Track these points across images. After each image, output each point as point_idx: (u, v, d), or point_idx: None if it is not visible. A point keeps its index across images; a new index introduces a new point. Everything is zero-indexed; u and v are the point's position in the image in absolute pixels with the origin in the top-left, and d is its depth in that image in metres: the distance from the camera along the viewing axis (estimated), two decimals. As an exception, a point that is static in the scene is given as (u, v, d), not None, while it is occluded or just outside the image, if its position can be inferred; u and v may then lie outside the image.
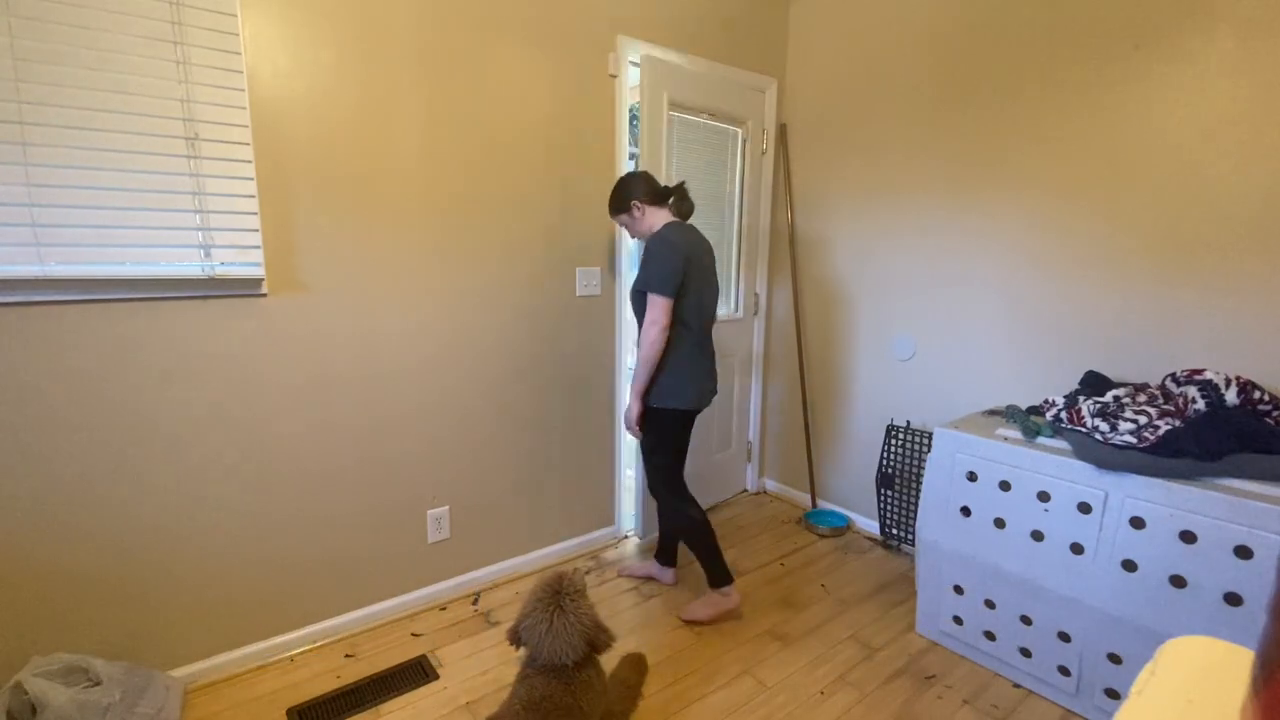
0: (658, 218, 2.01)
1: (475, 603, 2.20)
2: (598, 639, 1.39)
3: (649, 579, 2.38)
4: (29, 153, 1.38)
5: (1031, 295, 2.16)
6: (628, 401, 2.09)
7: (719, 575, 2.08)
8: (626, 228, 2.08)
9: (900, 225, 2.53)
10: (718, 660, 1.92)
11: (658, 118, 2.41)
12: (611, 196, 2.05)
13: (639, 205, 2.00)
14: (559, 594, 1.39)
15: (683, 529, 2.07)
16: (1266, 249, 1.67)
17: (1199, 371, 1.67)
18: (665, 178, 2.50)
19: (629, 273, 2.51)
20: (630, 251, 2.50)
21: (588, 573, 2.42)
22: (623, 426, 2.61)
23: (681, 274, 1.89)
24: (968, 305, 2.35)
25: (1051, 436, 1.78)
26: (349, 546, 1.98)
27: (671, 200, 2.04)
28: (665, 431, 2.03)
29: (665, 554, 2.32)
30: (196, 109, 1.54)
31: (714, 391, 2.07)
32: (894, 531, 2.61)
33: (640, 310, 1.99)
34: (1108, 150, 1.94)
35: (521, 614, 1.40)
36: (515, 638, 1.39)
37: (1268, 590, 1.34)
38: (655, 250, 1.91)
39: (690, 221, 2.09)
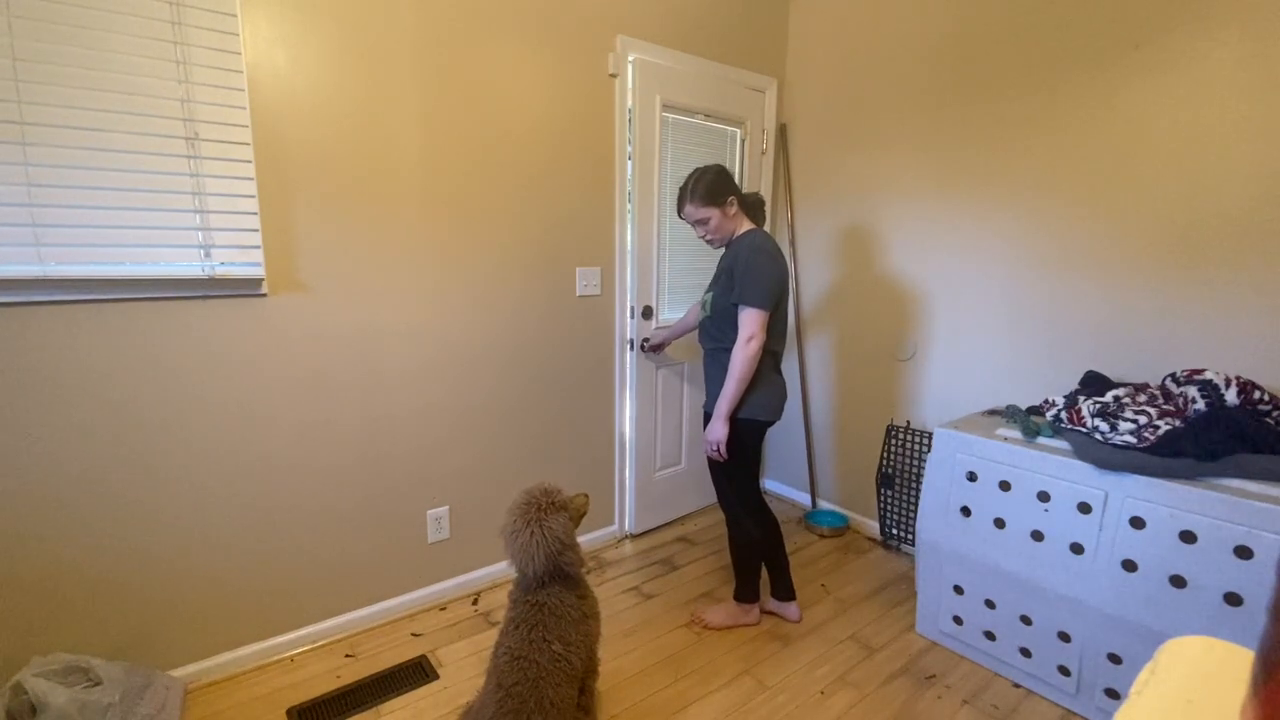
0: (741, 222, 1.93)
1: (475, 603, 2.20)
2: (563, 556, 1.40)
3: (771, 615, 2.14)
4: (29, 153, 1.38)
5: (1032, 295, 2.16)
6: (712, 423, 1.88)
7: (749, 591, 2.07)
8: (703, 223, 1.90)
9: (901, 225, 2.53)
10: (718, 660, 1.92)
11: (651, 120, 2.42)
12: (703, 185, 1.87)
13: (734, 203, 1.89)
14: (539, 507, 1.42)
15: (741, 543, 2.02)
16: (1267, 249, 1.67)
17: (1199, 371, 1.67)
18: (659, 181, 2.51)
19: (629, 272, 2.51)
20: (630, 251, 2.50)
21: (588, 572, 2.41)
22: (625, 436, 2.61)
23: (780, 287, 1.82)
24: (968, 305, 2.34)
25: (1051, 436, 1.78)
26: (349, 546, 1.98)
27: (747, 208, 1.95)
28: (746, 444, 1.93)
29: (781, 588, 2.12)
30: (196, 109, 1.54)
31: (786, 400, 1.97)
32: (894, 531, 2.61)
33: (721, 322, 1.89)
34: (1108, 150, 1.94)
35: (505, 521, 1.45)
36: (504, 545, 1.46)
37: (1268, 590, 1.34)
38: (754, 261, 1.80)
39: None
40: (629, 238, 2.49)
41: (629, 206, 2.47)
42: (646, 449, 2.69)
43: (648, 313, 2.57)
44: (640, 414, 2.63)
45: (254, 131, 1.64)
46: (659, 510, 2.81)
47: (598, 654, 1.57)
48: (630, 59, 2.36)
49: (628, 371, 2.58)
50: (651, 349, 2.54)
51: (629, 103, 2.39)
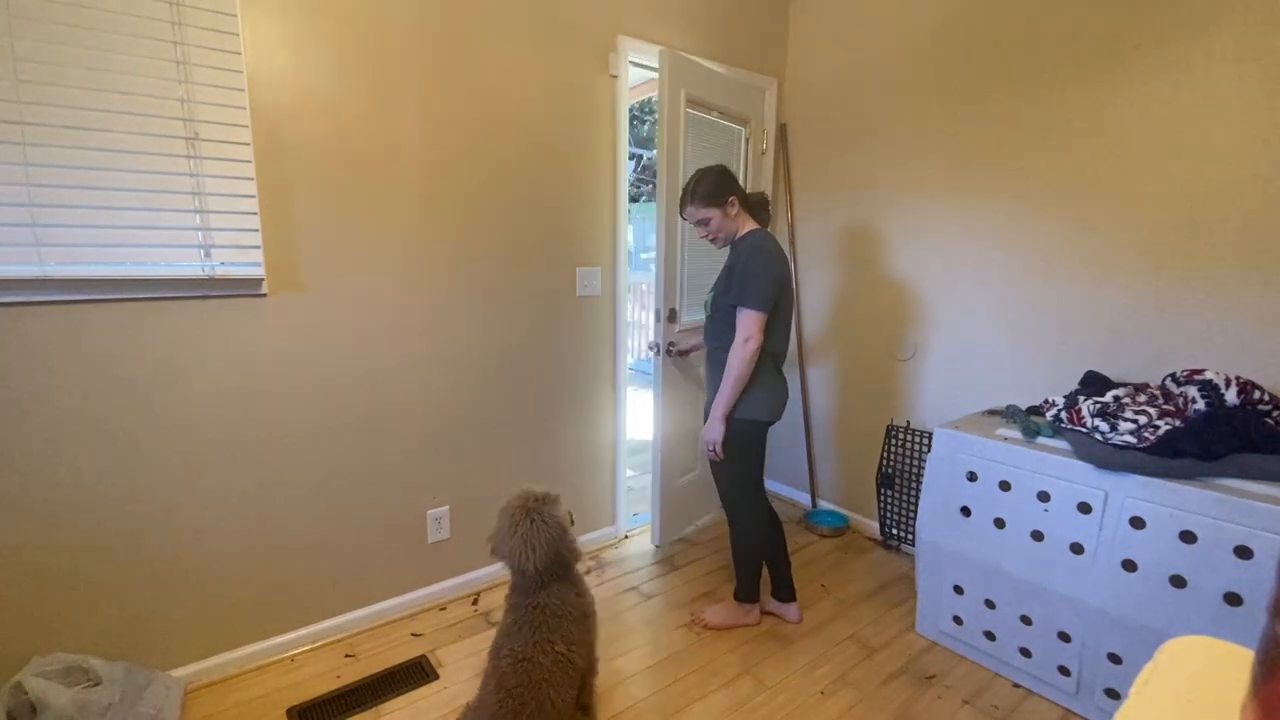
0: (744, 222, 1.91)
1: (475, 603, 2.20)
2: (563, 542, 1.42)
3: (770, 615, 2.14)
4: (29, 153, 1.38)
5: (1032, 295, 2.16)
6: (709, 422, 1.89)
7: (749, 591, 2.07)
8: (704, 224, 1.89)
9: (900, 225, 2.53)
10: (718, 660, 1.92)
11: (676, 115, 2.32)
12: (704, 186, 1.86)
13: (735, 203, 1.87)
14: (535, 498, 1.45)
15: (742, 543, 2.02)
16: (1267, 249, 1.67)
17: (1199, 371, 1.67)
18: (682, 178, 2.43)
19: (629, 272, 2.50)
20: (630, 251, 2.49)
21: (587, 573, 2.42)
22: (625, 433, 2.61)
23: (779, 288, 1.80)
24: (967, 305, 2.34)
25: (1051, 436, 1.78)
26: (349, 546, 1.98)
27: (751, 208, 1.93)
28: (747, 444, 1.92)
29: (781, 589, 2.11)
30: (196, 109, 1.54)
31: (787, 401, 1.95)
32: (894, 531, 2.61)
33: (720, 322, 1.88)
34: (1108, 150, 1.94)
35: (497, 525, 1.45)
36: (491, 548, 1.46)
37: (1268, 590, 1.34)
38: (753, 261, 1.79)
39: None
40: (631, 238, 2.48)
41: (643, 206, 2.46)
42: (670, 455, 2.56)
43: (673, 316, 2.47)
44: (665, 419, 2.51)
45: (254, 131, 1.64)
46: (681, 518, 2.71)
47: (597, 652, 1.57)
48: (636, 57, 2.34)
49: (622, 373, 2.57)
50: (679, 354, 2.48)
51: (630, 102, 2.38)
